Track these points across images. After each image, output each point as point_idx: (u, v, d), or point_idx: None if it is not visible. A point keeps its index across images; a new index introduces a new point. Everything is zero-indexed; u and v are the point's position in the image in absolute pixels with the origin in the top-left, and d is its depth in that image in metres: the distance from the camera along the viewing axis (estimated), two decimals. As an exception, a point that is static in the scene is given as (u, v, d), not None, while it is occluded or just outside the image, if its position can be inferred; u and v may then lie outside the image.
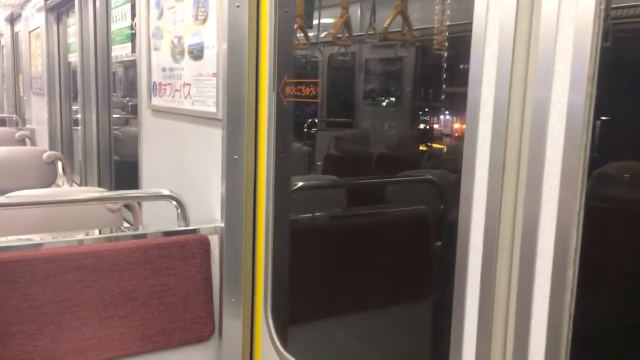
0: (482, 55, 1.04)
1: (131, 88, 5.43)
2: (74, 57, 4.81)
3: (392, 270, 2.07)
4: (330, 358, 1.78)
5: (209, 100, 2.02)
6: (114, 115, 4.78)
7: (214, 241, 1.91)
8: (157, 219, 2.39)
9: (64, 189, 2.34)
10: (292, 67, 1.76)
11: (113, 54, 3.70)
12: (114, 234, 1.80)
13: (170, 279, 1.83)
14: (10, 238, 1.65)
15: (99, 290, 1.72)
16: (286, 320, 1.88)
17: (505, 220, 1.04)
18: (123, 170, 4.11)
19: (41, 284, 1.63)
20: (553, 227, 0.96)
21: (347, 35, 2.11)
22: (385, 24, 2.16)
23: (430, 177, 2.49)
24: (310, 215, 2.12)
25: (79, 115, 5.04)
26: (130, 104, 5.48)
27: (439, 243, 2.27)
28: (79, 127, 4.27)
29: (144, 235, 1.83)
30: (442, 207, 2.38)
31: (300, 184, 2.17)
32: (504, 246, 1.05)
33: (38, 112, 6.00)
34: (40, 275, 1.63)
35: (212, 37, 1.97)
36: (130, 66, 4.89)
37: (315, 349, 1.84)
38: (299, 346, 1.84)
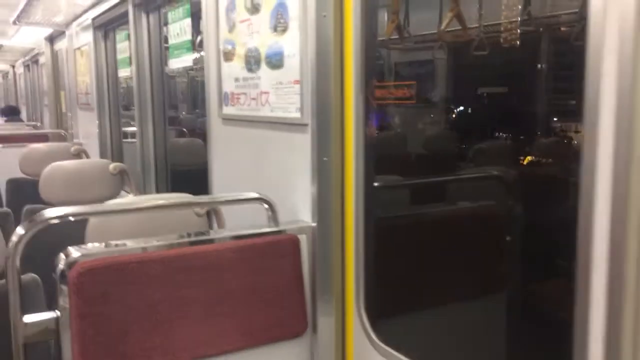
0: (602, 46, 1.10)
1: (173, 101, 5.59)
2: (123, 73, 4.99)
3: (471, 264, 2.14)
4: (422, 345, 1.85)
5: (290, 107, 2.11)
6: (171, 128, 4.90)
7: (304, 240, 2.00)
8: (239, 225, 2.49)
9: (155, 196, 2.45)
10: (377, 70, 1.84)
11: (173, 67, 3.83)
12: (215, 236, 1.90)
13: (266, 278, 1.93)
14: (125, 242, 1.76)
15: (204, 290, 1.82)
16: (380, 314, 1.96)
17: (633, 221, 1.09)
18: (177, 180, 4.25)
19: (155, 284, 1.74)
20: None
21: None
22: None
23: (496, 173, 2.55)
24: (394, 214, 2.20)
25: (128, 129, 5.22)
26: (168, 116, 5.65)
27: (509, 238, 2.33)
28: (135, 140, 4.43)
29: (240, 237, 1.93)
30: (509, 202, 2.44)
31: (377, 184, 2.25)
32: (632, 250, 1.10)
33: (84, 126, 6.20)
34: (154, 276, 1.74)
35: (292, 46, 2.06)
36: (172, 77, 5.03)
37: (406, 339, 1.91)
38: (390, 337, 1.91)
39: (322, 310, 2.00)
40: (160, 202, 2.05)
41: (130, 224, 2.21)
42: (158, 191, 4.15)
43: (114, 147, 5.34)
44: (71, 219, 1.74)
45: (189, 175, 4.27)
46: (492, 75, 2.75)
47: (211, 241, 1.90)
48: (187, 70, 4.52)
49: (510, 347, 1.69)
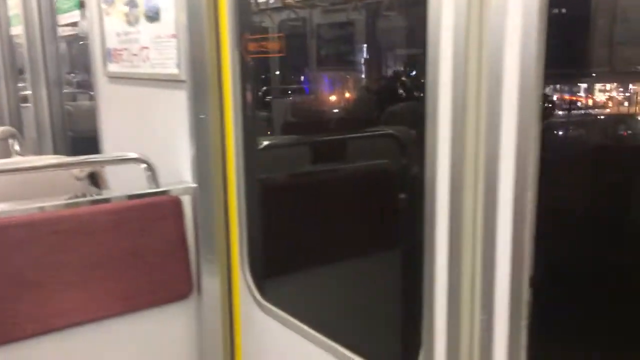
0: (439, 20, 1.10)
1: (73, 63, 5.29)
2: (16, 30, 4.63)
3: (359, 222, 2.15)
4: (308, 304, 1.86)
5: (168, 62, 2.01)
6: (66, 91, 4.65)
7: (186, 201, 1.94)
8: (123, 187, 2.39)
9: (27, 158, 2.30)
10: (253, 24, 1.78)
11: (61, 23, 3.59)
12: (88, 199, 1.81)
13: (145, 240, 1.86)
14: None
15: (77, 254, 1.74)
16: (263, 273, 1.95)
17: (469, 167, 1.12)
18: (79, 147, 4.04)
19: (19, 251, 1.64)
20: (512, 167, 1.04)
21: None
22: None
23: (391, 131, 2.56)
24: (279, 173, 2.17)
25: (26, 92, 4.88)
26: (75, 79, 5.35)
27: (403, 195, 2.36)
28: (29, 104, 4.15)
29: (117, 199, 1.84)
30: (403, 160, 2.46)
31: (265, 142, 2.21)
32: (468, 193, 1.13)
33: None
34: (17, 242, 1.64)
35: (168, -3, 1.95)
36: (73, 41, 4.76)
37: (294, 298, 1.91)
38: (276, 296, 1.91)
39: (207, 271, 1.96)
40: (27, 164, 1.92)
41: (5, 188, 2.07)
42: (56, 157, 3.93)
43: (11, 112, 4.98)
44: None
45: (94, 140, 4.07)
46: (404, 36, 2.74)
47: (87, 204, 1.81)
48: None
49: (392, 304, 1.73)
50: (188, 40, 1.82)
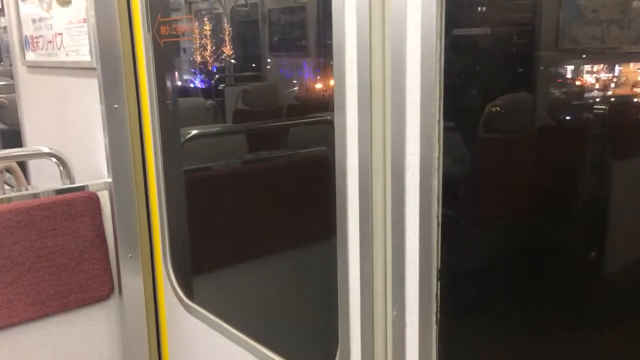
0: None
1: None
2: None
3: (293, 212, 2.07)
4: (235, 302, 1.78)
5: (82, 49, 1.88)
6: (1, 82, 4.43)
7: (104, 197, 1.83)
8: (47, 183, 2.25)
9: None
10: (167, 4, 1.66)
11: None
12: (-12, 198, 1.67)
13: (58, 240, 1.74)
14: None
15: None
16: (188, 271, 1.85)
17: (377, 140, 1.05)
18: (13, 140, 3.84)
19: None
20: (417, 138, 0.98)
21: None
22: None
23: (328, 117, 2.48)
24: (207, 164, 2.06)
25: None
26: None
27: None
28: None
29: (25, 197, 1.71)
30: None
31: (194, 132, 2.10)
32: (377, 166, 1.06)
33: None
34: None
35: (79, -21, 1.82)
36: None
37: (219, 296, 1.83)
38: (203, 295, 1.82)
39: (127, 271, 1.85)
40: None
41: None
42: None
43: None
44: None
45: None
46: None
47: (-10, 204, 1.68)
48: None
49: (312, 301, 1.66)
50: (97, 24, 1.70)
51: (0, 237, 1.64)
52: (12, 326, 1.67)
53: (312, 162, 2.19)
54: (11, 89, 4.83)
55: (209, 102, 3.14)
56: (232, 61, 2.94)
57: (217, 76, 3.07)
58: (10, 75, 5.22)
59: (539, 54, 1.42)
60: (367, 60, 1.03)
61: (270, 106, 3.03)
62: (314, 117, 2.55)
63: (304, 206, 1.89)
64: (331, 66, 1.12)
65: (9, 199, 1.67)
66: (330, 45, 1.11)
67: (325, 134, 2.43)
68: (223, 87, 3.15)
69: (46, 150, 1.82)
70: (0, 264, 1.64)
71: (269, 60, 3.10)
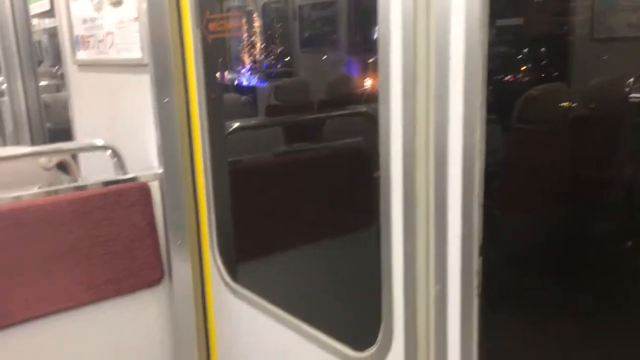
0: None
1: (57, 56, 5.23)
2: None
3: (334, 201, 2.14)
4: (279, 285, 1.85)
5: (133, 47, 1.99)
6: (43, 83, 4.62)
7: (155, 187, 1.93)
8: (99, 174, 2.37)
9: (-6, 150, 2.27)
10: (214, 1, 1.75)
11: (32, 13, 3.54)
12: (51, 188, 1.79)
13: (112, 228, 1.85)
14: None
15: (41, 245, 1.72)
16: (234, 257, 1.94)
17: (420, 125, 1.11)
18: (56, 138, 4.00)
19: (-21, 242, 1.62)
20: (460, 124, 1.03)
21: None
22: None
23: (364, 109, 2.55)
24: (250, 155, 2.15)
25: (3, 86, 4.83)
26: (59, 72, 5.30)
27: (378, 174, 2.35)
28: (5, 98, 4.10)
29: (81, 188, 1.82)
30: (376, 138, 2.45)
31: (236, 124, 2.19)
32: (420, 150, 1.12)
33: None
34: (-22, 234, 1.62)
35: (130, -19, 1.92)
36: (55, 33, 4.71)
37: (264, 280, 1.91)
38: (248, 279, 1.90)
39: (177, 257, 1.95)
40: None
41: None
42: (35, 150, 3.89)
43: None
44: None
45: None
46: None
47: (50, 194, 1.79)
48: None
49: (356, 282, 1.72)
50: (149, 22, 1.79)
51: (58, 225, 1.75)
52: (71, 309, 1.79)
53: (352, 152, 2.26)
54: (53, 89, 5.03)
55: (244, 98, 3.22)
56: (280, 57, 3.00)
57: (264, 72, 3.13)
58: (51, 76, 5.42)
59: (572, 43, 1.45)
60: (411, 49, 1.09)
61: (321, 98, 3.07)
62: (354, 109, 2.61)
63: (344, 194, 1.96)
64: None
65: (68, 190, 1.78)
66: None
67: (363, 125, 2.50)
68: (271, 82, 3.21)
69: (101, 143, 1.93)
70: (59, 251, 1.75)
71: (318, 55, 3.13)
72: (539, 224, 1.31)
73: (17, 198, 1.73)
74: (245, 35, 1.82)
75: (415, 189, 1.13)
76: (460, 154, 1.04)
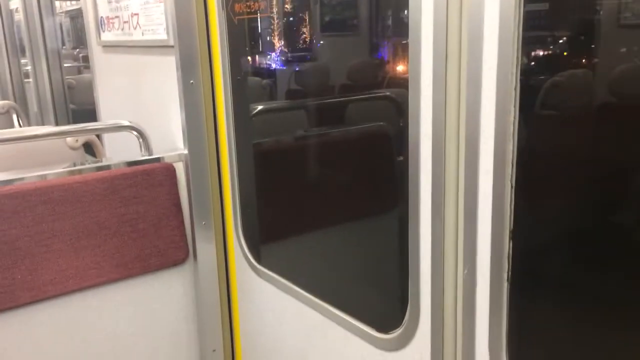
0: None
1: (78, 38, 5.27)
2: (15, 4, 4.61)
3: (355, 185, 2.14)
4: (302, 266, 1.87)
5: (159, 28, 1.99)
6: (67, 64, 4.67)
7: (180, 168, 1.94)
8: (121, 155, 2.40)
9: (22, 129, 2.31)
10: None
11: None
12: (79, 167, 1.81)
13: (139, 207, 1.87)
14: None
15: (70, 222, 1.75)
16: (257, 238, 1.95)
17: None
18: (80, 119, 4.05)
19: (12, 220, 1.65)
20: (493, 103, 1.02)
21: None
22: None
23: (387, 93, 2.52)
24: (273, 137, 2.15)
25: (28, 68, 4.89)
26: (81, 55, 5.34)
27: (401, 157, 2.34)
28: (30, 80, 4.15)
29: (108, 167, 1.85)
30: (400, 122, 2.44)
31: (260, 107, 2.19)
32: (451, 130, 1.12)
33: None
34: (10, 211, 1.65)
35: (156, -39, 1.92)
36: (77, 16, 4.73)
37: (287, 260, 1.92)
38: (272, 260, 1.91)
39: (202, 237, 1.97)
40: (16, 135, 1.92)
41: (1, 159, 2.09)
42: (59, 131, 3.95)
43: (15, 87, 5.00)
44: None
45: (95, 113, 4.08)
46: None
47: (78, 172, 1.82)
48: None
49: (382, 264, 1.73)
50: (174, 3, 1.79)
51: (88, 203, 1.78)
52: (99, 285, 1.82)
53: (374, 135, 2.25)
54: (75, 70, 5.08)
55: (265, 81, 3.21)
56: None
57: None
58: (72, 58, 5.47)
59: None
60: (443, 30, 1.08)
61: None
62: (372, 94, 2.59)
63: (370, 176, 1.96)
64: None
65: (97, 169, 1.81)
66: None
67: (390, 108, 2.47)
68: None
69: (126, 123, 1.95)
70: (88, 228, 1.79)
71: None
72: (573, 210, 1.29)
73: (43, 177, 1.76)
74: (271, 17, 1.81)
75: (444, 170, 1.13)
76: (492, 136, 1.03)
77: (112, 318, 1.88)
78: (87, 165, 1.83)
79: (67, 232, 1.75)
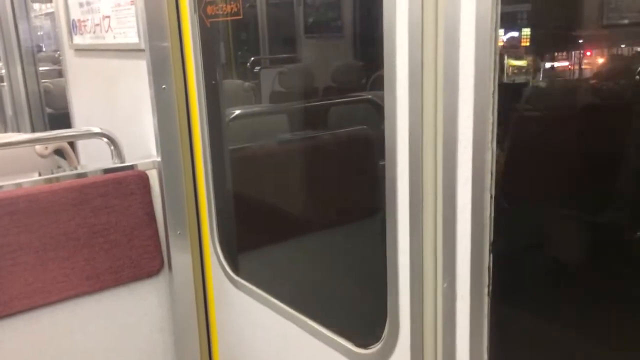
0: None
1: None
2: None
3: (337, 191, 2.09)
4: (280, 277, 1.81)
5: (130, 31, 1.92)
6: (43, 68, 4.57)
7: (153, 176, 1.88)
8: (97, 161, 2.32)
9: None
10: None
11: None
12: (45, 177, 1.74)
13: (111, 217, 1.80)
14: None
15: (37, 234, 1.68)
16: (234, 248, 1.89)
17: (428, 114, 1.06)
18: (57, 124, 3.96)
19: (-27, 233, 1.58)
20: (471, 111, 0.98)
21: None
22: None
23: (369, 97, 2.48)
24: (251, 143, 2.09)
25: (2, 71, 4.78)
26: (61, 57, 5.24)
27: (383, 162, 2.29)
28: (5, 83, 4.05)
29: (77, 176, 1.78)
30: (381, 126, 2.39)
31: (237, 112, 2.13)
32: (428, 139, 1.07)
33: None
34: (-30, 224, 1.58)
35: (126, -38, 1.86)
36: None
37: (265, 271, 1.87)
38: (249, 270, 1.86)
39: (176, 247, 1.91)
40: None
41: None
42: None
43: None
44: None
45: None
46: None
47: (46, 181, 1.74)
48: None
49: (361, 276, 1.68)
50: (145, 5, 1.73)
51: (56, 213, 1.71)
52: (69, 299, 1.75)
53: (355, 140, 2.20)
54: (55, 73, 4.98)
55: (247, 84, 3.16)
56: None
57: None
58: (52, 61, 5.37)
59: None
60: (418, 33, 1.03)
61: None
62: (353, 97, 2.54)
63: (348, 184, 1.91)
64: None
65: (65, 178, 1.74)
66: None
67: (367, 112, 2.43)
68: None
69: (97, 130, 1.88)
70: (57, 240, 1.72)
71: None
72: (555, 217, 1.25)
73: (18, 185, 1.69)
74: (246, 19, 1.76)
75: (422, 180, 1.08)
76: (471, 144, 0.98)
77: (84, 333, 1.81)
78: (55, 175, 1.75)
79: (34, 244, 1.68)
